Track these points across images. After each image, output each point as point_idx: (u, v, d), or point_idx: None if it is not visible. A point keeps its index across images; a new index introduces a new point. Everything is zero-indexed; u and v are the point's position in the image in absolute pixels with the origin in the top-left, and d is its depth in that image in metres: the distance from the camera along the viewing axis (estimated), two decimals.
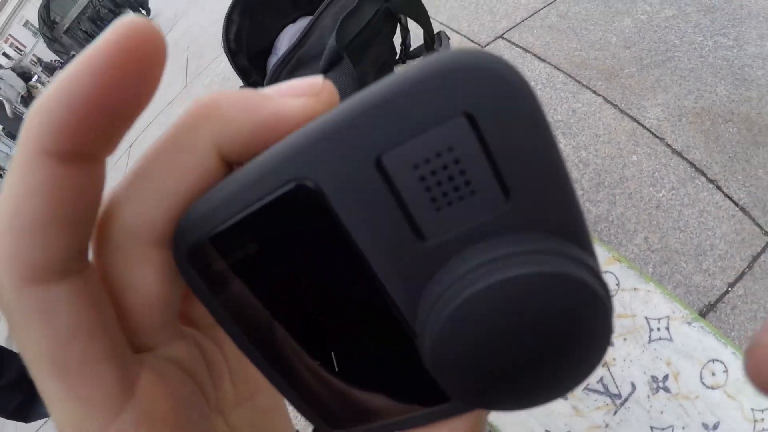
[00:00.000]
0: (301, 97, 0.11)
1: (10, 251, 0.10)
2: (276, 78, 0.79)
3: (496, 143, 0.09)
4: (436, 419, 0.13)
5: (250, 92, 0.11)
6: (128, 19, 0.10)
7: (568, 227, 0.10)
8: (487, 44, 1.52)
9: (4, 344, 1.26)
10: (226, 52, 0.85)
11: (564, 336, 0.11)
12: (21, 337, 0.10)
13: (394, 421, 0.13)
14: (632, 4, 1.39)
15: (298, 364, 0.13)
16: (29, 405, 1.19)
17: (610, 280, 0.77)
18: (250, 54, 0.94)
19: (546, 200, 0.10)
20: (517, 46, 1.46)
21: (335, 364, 0.13)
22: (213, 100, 0.11)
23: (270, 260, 0.12)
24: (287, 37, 0.97)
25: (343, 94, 0.78)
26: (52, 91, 0.09)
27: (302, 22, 1.00)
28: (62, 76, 0.09)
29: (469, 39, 1.58)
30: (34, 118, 0.09)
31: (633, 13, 1.36)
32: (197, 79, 2.52)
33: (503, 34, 1.51)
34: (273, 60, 0.96)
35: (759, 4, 1.31)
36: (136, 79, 0.10)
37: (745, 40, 1.23)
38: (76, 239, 0.10)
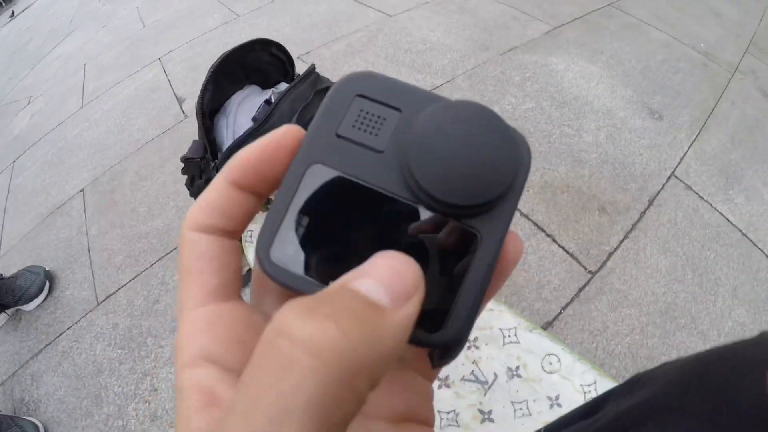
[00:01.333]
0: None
1: (192, 214, 0.18)
2: (248, 140, 1.00)
3: (377, 96, 0.19)
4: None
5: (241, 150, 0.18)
6: (293, 128, 0.19)
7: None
8: None
9: None
10: (198, 116, 1.03)
11: (488, 136, 0.17)
12: (180, 254, 0.18)
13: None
14: (501, 96, 1.69)
15: None
16: None
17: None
18: (209, 114, 1.12)
19: (415, 100, 0.19)
20: None
21: None
22: (233, 157, 0.18)
23: (320, 221, 0.18)
24: (236, 101, 1.17)
25: None
26: (251, 147, 0.18)
27: (249, 89, 1.21)
28: (262, 141, 0.18)
29: None
30: (232, 158, 0.18)
31: (501, 104, 1.66)
32: (96, 101, 2.40)
33: None
34: (222, 119, 1.15)
35: (600, 102, 1.64)
36: (282, 163, 0.18)
37: (585, 130, 1.54)
38: (221, 223, 0.18)
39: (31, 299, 1.46)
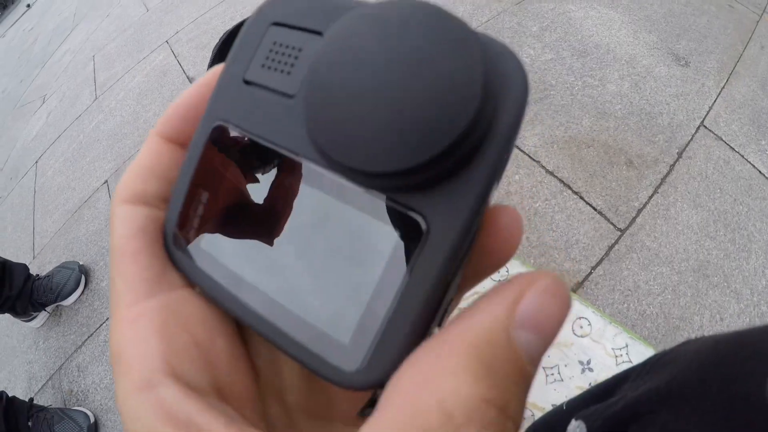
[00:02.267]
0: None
1: (123, 182, 0.15)
2: None
3: (297, 20, 0.14)
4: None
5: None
6: (217, 70, 0.16)
7: None
8: None
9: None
10: None
11: (414, 55, 0.10)
12: (110, 236, 0.15)
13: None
14: (519, 48, 1.64)
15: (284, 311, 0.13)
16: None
17: (501, 270, 1.04)
18: None
19: (338, 16, 0.13)
20: None
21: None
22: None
23: (224, 194, 0.15)
24: None
25: None
26: (181, 96, 0.16)
27: None
28: (191, 87, 0.16)
29: None
30: (165, 113, 0.16)
31: (520, 56, 1.63)
32: (109, 92, 2.44)
33: None
34: None
35: (622, 49, 1.58)
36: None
37: (608, 80, 1.49)
38: (161, 189, 0.16)
39: (69, 294, 1.53)
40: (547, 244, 1.17)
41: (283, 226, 0.13)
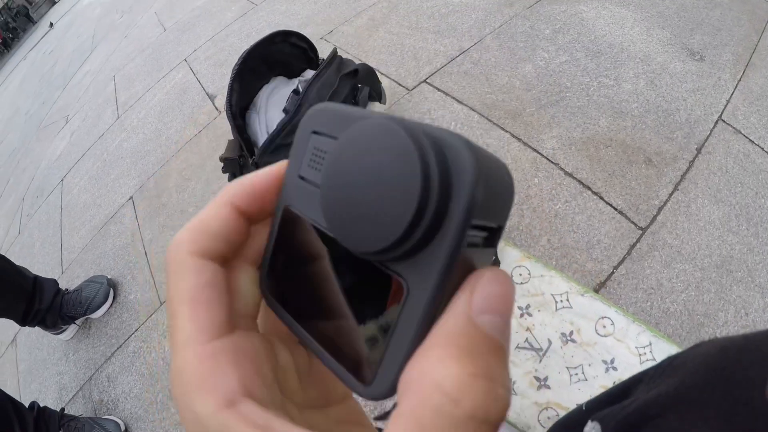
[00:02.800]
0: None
1: (191, 237, 0.18)
2: (282, 134, 1.04)
3: (326, 129, 0.19)
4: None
5: (244, 176, 0.19)
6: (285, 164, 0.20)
7: None
8: (413, 87, 1.69)
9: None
10: (228, 116, 1.08)
11: (379, 164, 0.15)
12: (174, 281, 0.17)
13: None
14: (533, 51, 1.66)
15: (331, 336, 0.18)
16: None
17: (523, 272, 1.06)
18: (239, 112, 1.17)
19: (349, 125, 0.17)
20: (439, 89, 1.65)
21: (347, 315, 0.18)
22: (236, 180, 0.19)
23: (288, 254, 0.20)
24: (264, 95, 1.21)
25: None
26: (256, 175, 0.19)
27: (275, 82, 1.25)
28: (268, 170, 0.20)
29: (397, 83, 1.75)
30: (234, 184, 0.19)
31: (533, 60, 1.63)
32: (130, 111, 2.52)
33: (426, 78, 1.71)
34: (253, 115, 1.19)
35: (636, 48, 1.59)
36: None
37: (623, 79, 1.50)
38: (224, 250, 0.18)
39: (98, 308, 1.58)
40: (569, 246, 1.18)
41: (328, 281, 0.18)
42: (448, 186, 0.14)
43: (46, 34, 6.80)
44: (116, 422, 1.31)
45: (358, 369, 0.17)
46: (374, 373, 0.16)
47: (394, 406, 0.14)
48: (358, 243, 0.15)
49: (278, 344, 0.20)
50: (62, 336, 1.62)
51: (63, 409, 1.35)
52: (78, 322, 1.61)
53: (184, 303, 0.17)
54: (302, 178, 0.19)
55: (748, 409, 0.31)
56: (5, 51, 8.97)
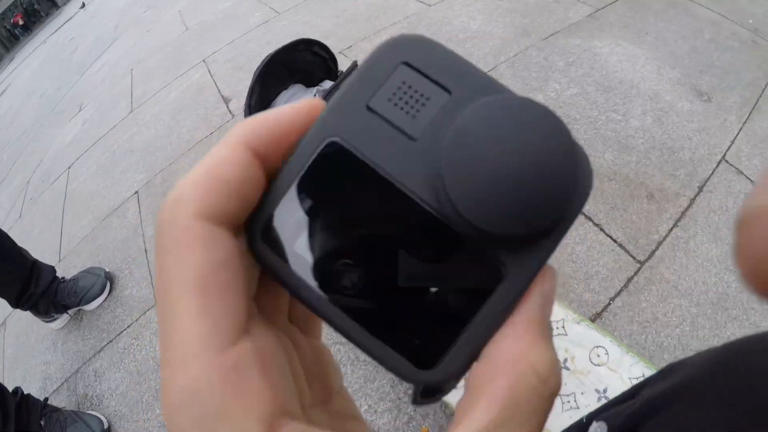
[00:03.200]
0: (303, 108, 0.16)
1: (199, 193, 0.13)
2: None
3: (426, 68, 0.16)
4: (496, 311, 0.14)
5: (258, 114, 0.15)
6: (319, 101, 0.16)
7: (491, 88, 0.15)
8: None
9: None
10: (246, 116, 1.09)
11: (543, 150, 0.14)
12: (175, 259, 0.12)
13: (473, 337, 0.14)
14: (545, 82, 1.68)
15: (370, 311, 0.15)
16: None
17: None
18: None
19: (470, 83, 0.15)
20: None
21: (393, 284, 0.15)
22: (241, 121, 0.15)
23: (326, 206, 0.15)
24: (282, 100, 1.23)
25: None
26: (271, 111, 0.15)
27: (294, 89, 1.27)
28: (285, 107, 0.15)
29: None
30: (249, 121, 0.15)
31: (545, 91, 1.65)
32: (144, 106, 2.53)
33: None
34: None
35: (646, 85, 1.61)
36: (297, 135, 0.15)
37: (631, 115, 1.52)
38: (242, 211, 0.14)
39: (93, 299, 1.57)
40: (567, 275, 1.18)
41: (378, 248, 0.16)
42: (576, 187, 0.15)
43: (73, 15, 6.83)
44: (99, 418, 1.28)
45: (411, 351, 0.15)
46: (438, 356, 0.15)
47: (440, 391, 0.16)
48: (495, 221, 0.14)
49: (284, 339, 0.17)
50: (53, 324, 1.61)
51: (47, 399, 1.33)
52: (71, 312, 1.60)
53: (190, 291, 0.12)
54: (371, 110, 0.16)
55: (748, 394, 0.32)
56: (26, 34, 9.04)
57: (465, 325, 0.15)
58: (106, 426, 1.28)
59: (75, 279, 1.60)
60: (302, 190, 0.15)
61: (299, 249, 0.15)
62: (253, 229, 0.15)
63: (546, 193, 0.14)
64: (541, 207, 0.14)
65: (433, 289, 0.15)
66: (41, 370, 1.56)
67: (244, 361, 0.12)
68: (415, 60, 0.16)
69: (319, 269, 0.15)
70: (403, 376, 0.15)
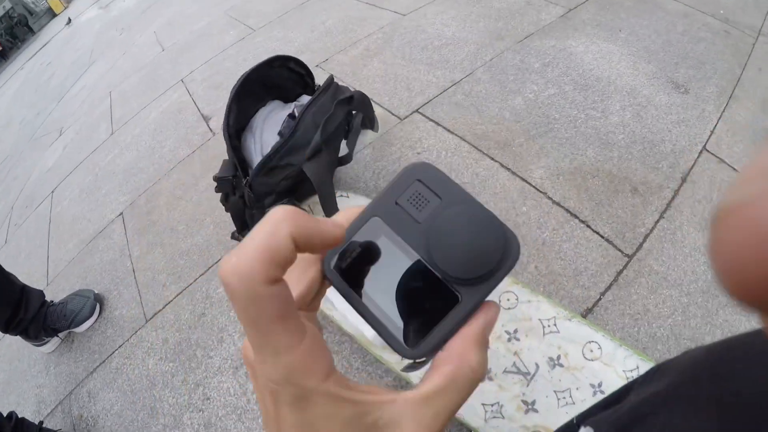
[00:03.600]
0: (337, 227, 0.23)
1: (267, 269, 0.19)
2: (276, 156, 1.05)
3: (430, 184, 0.26)
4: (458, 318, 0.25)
5: (306, 216, 0.22)
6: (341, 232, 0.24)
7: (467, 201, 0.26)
8: (405, 117, 1.72)
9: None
10: (225, 136, 1.08)
11: (481, 235, 0.24)
12: (262, 308, 0.20)
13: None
14: (522, 84, 1.69)
15: (386, 315, 0.26)
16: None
17: (511, 297, 1.06)
18: (235, 133, 1.17)
19: (453, 194, 0.26)
20: (430, 119, 1.68)
21: (404, 307, 0.26)
22: (289, 210, 0.21)
23: (367, 251, 0.27)
24: (261, 117, 1.22)
25: (322, 175, 1.06)
26: (324, 225, 0.23)
27: (272, 105, 1.26)
28: (324, 224, 0.23)
29: (390, 112, 1.77)
30: (296, 218, 0.21)
31: (523, 92, 1.66)
32: (125, 127, 2.52)
33: (418, 108, 1.74)
34: (249, 136, 1.19)
35: (623, 81, 1.63)
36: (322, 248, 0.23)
37: (610, 111, 1.54)
38: (280, 275, 0.20)
39: (83, 322, 1.55)
40: (556, 273, 1.19)
41: (393, 278, 0.26)
42: (506, 256, 0.24)
43: (49, 40, 6.79)
44: None
45: (405, 335, 0.25)
46: (418, 341, 0.25)
47: (420, 363, 0.26)
48: (454, 269, 0.24)
49: (310, 314, 0.27)
50: (44, 348, 1.59)
51: (42, 423, 1.33)
52: (61, 335, 1.58)
53: (275, 322, 0.20)
54: (398, 204, 0.27)
55: (738, 400, 0.32)
56: (2, 60, 8.94)
57: (435, 325, 0.25)
58: None
59: (64, 302, 1.58)
60: (354, 242, 0.27)
61: (350, 273, 0.27)
62: (327, 261, 0.27)
63: (482, 259, 0.24)
64: (479, 266, 0.24)
65: (423, 302, 0.26)
66: (35, 393, 1.54)
67: (309, 347, 0.21)
68: (424, 178, 0.27)
69: (359, 286, 0.27)
70: (397, 350, 0.25)
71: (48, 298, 1.63)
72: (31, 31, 9.88)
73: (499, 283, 0.25)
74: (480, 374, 0.23)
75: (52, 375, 1.54)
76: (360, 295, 0.27)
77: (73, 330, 1.57)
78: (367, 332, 1.07)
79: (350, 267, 0.27)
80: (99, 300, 1.61)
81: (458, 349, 0.24)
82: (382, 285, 0.27)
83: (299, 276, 0.26)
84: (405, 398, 0.23)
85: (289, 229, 0.21)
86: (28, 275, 1.99)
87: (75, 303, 1.57)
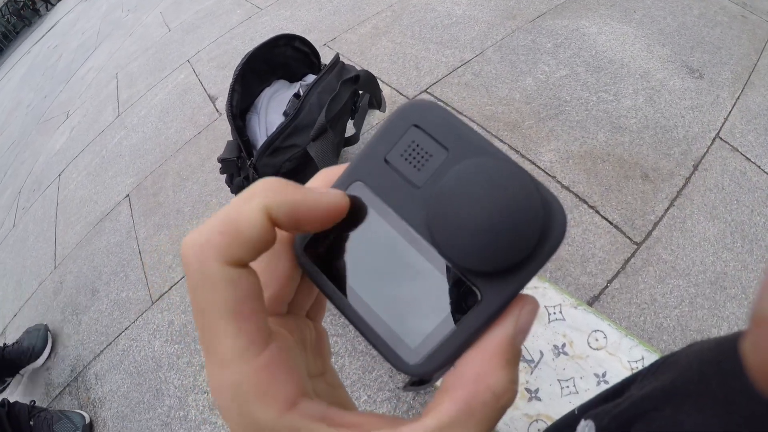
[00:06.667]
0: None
1: (223, 244, 0.16)
2: (281, 137, 1.04)
3: (431, 130, 0.19)
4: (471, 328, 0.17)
5: (293, 185, 0.18)
6: (344, 201, 0.19)
7: (481, 149, 0.18)
8: (414, 97, 1.68)
9: None
10: (229, 117, 1.07)
11: (509, 203, 0.17)
12: (208, 293, 0.16)
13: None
14: (534, 65, 1.66)
15: (372, 312, 0.19)
16: None
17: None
18: (239, 113, 1.16)
19: (466, 144, 0.18)
20: (439, 99, 1.65)
21: (390, 298, 0.19)
22: (270, 181, 0.17)
23: (349, 230, 0.20)
24: (266, 97, 1.20)
25: (327, 156, 1.05)
26: (305, 193, 0.17)
27: (277, 85, 1.24)
28: (306, 194, 0.18)
29: (398, 91, 1.75)
30: (273, 189, 0.17)
31: (534, 73, 1.63)
32: (131, 109, 2.52)
33: (427, 88, 1.72)
34: (253, 117, 1.18)
35: (636, 64, 1.59)
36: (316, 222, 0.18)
37: (623, 95, 1.50)
38: (253, 258, 0.17)
39: (39, 354, 1.58)
40: (563, 259, 1.17)
41: (387, 265, 0.19)
42: (547, 234, 0.17)
43: (56, 23, 6.77)
44: (81, 415, 1.34)
45: (402, 346, 0.19)
46: (422, 354, 0.18)
47: (425, 382, 0.26)
48: (470, 256, 0.17)
49: (298, 320, 0.22)
50: (6, 391, 1.62)
51: (33, 402, 1.38)
52: (22, 372, 1.60)
53: (225, 318, 0.16)
54: (388, 162, 0.20)
55: (745, 398, 0.31)
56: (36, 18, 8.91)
57: (445, 333, 0.18)
58: (87, 421, 1.34)
59: (19, 341, 1.60)
60: None
61: (329, 260, 0.20)
62: (298, 245, 0.21)
63: (507, 238, 0.17)
64: (507, 251, 0.17)
65: (427, 301, 0.19)
66: (43, 376, 1.57)
67: (271, 362, 0.16)
68: (424, 122, 0.20)
69: (341, 277, 0.20)
70: (394, 363, 0.19)
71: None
72: (38, 14, 9.86)
73: (537, 272, 0.17)
74: (507, 400, 0.16)
75: (60, 357, 1.57)
76: (344, 291, 0.20)
77: (33, 365, 1.59)
78: None
79: (329, 252, 0.20)
80: (49, 330, 1.64)
81: (476, 367, 0.17)
82: (370, 277, 0.20)
83: (275, 268, 0.21)
84: None
85: (264, 201, 0.17)
86: (35, 258, 2.02)
87: (29, 338, 1.59)
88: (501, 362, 0.17)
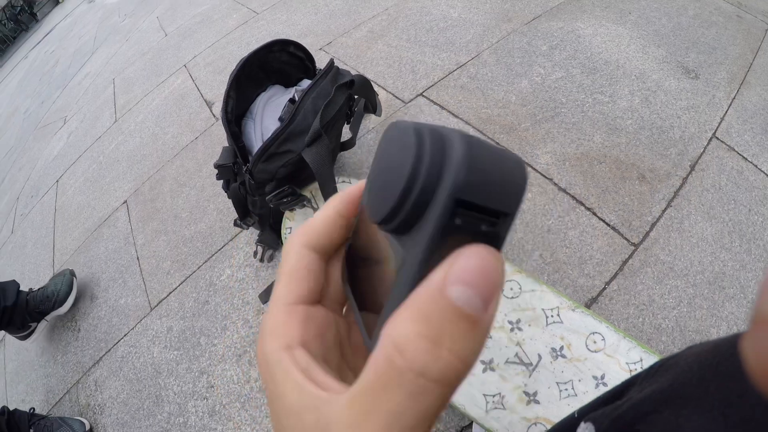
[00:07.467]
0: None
1: (315, 236, 0.23)
2: (276, 142, 1.04)
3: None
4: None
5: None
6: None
7: None
8: (410, 100, 1.69)
9: None
10: (224, 123, 1.07)
11: (394, 158, 0.17)
12: (285, 261, 0.22)
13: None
14: (529, 67, 1.66)
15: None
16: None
17: (514, 286, 1.04)
18: (234, 119, 1.16)
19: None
20: (435, 103, 1.65)
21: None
22: (343, 191, 0.23)
23: (359, 244, 0.23)
24: (261, 103, 1.20)
25: (322, 161, 1.05)
26: (355, 186, 0.23)
27: (272, 90, 1.24)
28: (357, 185, 0.23)
29: (393, 95, 1.74)
30: (340, 192, 0.23)
31: (530, 76, 1.63)
32: (128, 114, 2.51)
33: (423, 92, 1.71)
34: (249, 122, 1.18)
35: (632, 65, 1.60)
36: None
37: (618, 96, 1.50)
38: (327, 245, 0.23)
39: (65, 299, 1.62)
40: (561, 261, 1.17)
41: (377, 266, 0.21)
42: (440, 169, 0.15)
43: (53, 28, 6.77)
44: (82, 422, 1.34)
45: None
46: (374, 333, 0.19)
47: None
48: (371, 215, 0.18)
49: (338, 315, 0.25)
50: (30, 339, 1.63)
51: (33, 409, 1.38)
52: (48, 318, 1.63)
53: (284, 274, 0.22)
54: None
55: (744, 401, 0.31)
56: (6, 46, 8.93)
57: (384, 308, 0.18)
58: (87, 428, 1.33)
59: (44, 287, 1.63)
60: (353, 238, 0.24)
61: (350, 273, 0.24)
62: (342, 262, 0.25)
63: (390, 184, 0.16)
64: (389, 194, 0.16)
65: (379, 282, 0.20)
66: (43, 383, 1.56)
67: (293, 311, 0.21)
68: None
69: (352, 282, 0.23)
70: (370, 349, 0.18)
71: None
72: (35, 18, 9.86)
73: (449, 209, 0.15)
74: (415, 354, 0.14)
75: (60, 364, 1.56)
76: (356, 297, 0.23)
77: (57, 311, 1.62)
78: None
79: (351, 265, 0.24)
80: (74, 275, 1.68)
81: (386, 328, 0.15)
82: (371, 277, 0.21)
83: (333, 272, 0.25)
84: (338, 399, 0.16)
85: (333, 203, 0.24)
86: (34, 265, 2.02)
87: (54, 283, 1.62)
88: (410, 315, 0.15)
